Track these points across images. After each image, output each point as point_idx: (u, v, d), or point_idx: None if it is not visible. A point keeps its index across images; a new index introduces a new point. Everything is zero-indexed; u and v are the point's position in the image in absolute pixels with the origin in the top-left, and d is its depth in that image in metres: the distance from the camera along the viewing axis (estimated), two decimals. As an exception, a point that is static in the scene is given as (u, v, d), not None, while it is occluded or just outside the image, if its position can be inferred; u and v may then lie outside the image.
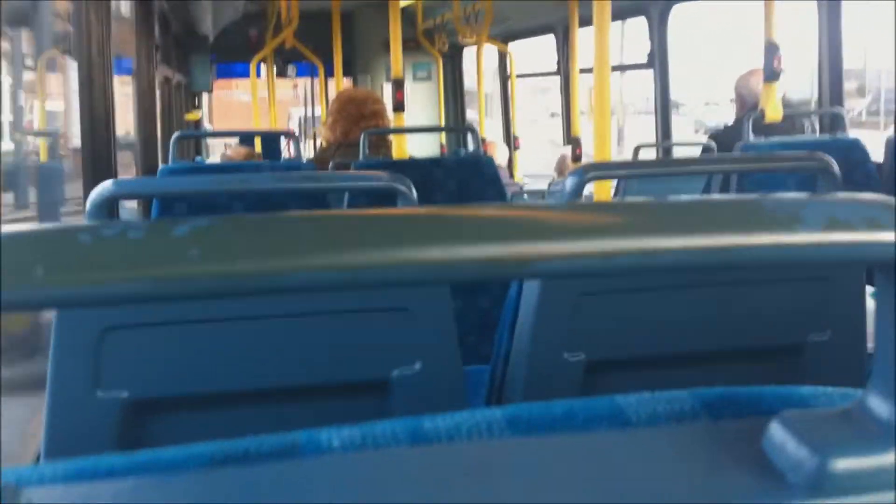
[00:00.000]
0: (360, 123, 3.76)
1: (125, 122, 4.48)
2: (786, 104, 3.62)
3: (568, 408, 0.64)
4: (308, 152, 9.11)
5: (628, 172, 2.05)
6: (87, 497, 0.53)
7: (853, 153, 3.22)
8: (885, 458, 0.49)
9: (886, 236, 0.47)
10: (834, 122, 3.54)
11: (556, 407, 0.64)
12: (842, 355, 1.55)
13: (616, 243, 0.46)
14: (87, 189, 3.00)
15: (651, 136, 5.12)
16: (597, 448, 0.58)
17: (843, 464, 0.48)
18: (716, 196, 0.50)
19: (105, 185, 1.44)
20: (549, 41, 6.60)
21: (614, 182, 3.96)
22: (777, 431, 0.52)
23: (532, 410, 0.63)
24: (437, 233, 0.45)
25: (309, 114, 11.41)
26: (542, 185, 5.84)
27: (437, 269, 0.44)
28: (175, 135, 3.53)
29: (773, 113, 3.43)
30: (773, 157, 2.17)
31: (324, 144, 4.14)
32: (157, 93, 5.10)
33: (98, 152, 3.06)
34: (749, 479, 0.52)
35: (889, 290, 0.51)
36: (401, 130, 4.02)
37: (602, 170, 1.96)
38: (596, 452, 0.57)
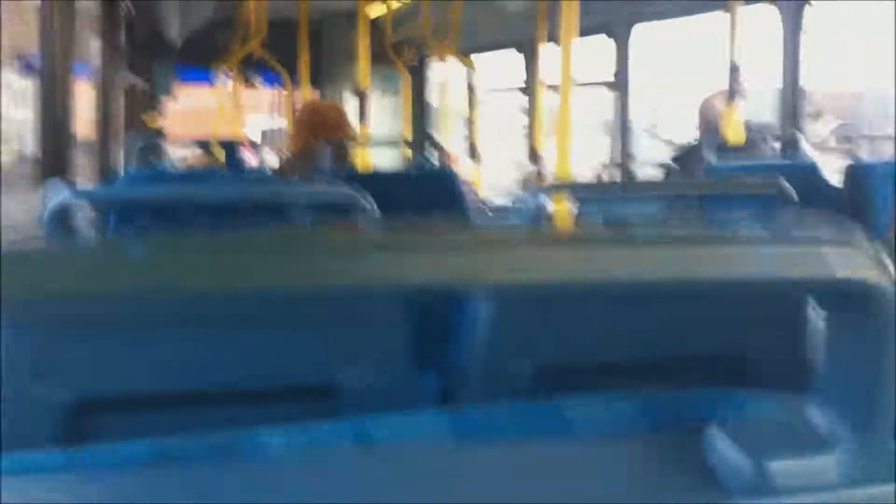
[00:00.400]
0: (322, 134, 3.76)
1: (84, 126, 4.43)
2: (749, 126, 3.67)
3: (512, 412, 0.64)
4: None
5: (587, 195, 2.07)
6: (24, 491, 0.52)
7: (810, 176, 3.27)
8: (823, 460, 0.50)
9: (840, 272, 0.47)
10: (792, 144, 3.59)
11: (499, 411, 0.64)
12: (785, 366, 1.57)
13: (563, 273, 0.46)
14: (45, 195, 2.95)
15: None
16: (540, 452, 0.58)
17: (780, 466, 0.49)
18: (662, 222, 0.51)
19: (63, 193, 1.43)
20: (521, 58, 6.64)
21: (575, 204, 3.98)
22: (716, 436, 0.52)
23: (477, 415, 0.63)
24: (389, 250, 0.45)
25: (274, 124, 11.38)
26: (506, 201, 5.86)
27: (391, 286, 0.44)
28: (135, 140, 3.50)
29: (735, 135, 3.47)
30: (734, 182, 2.20)
31: (287, 155, 4.13)
32: (120, 97, 5.06)
33: (56, 157, 3.02)
34: (689, 482, 0.53)
35: (832, 312, 0.51)
36: (365, 143, 4.02)
37: (563, 189, 1.98)
38: (539, 456, 0.58)
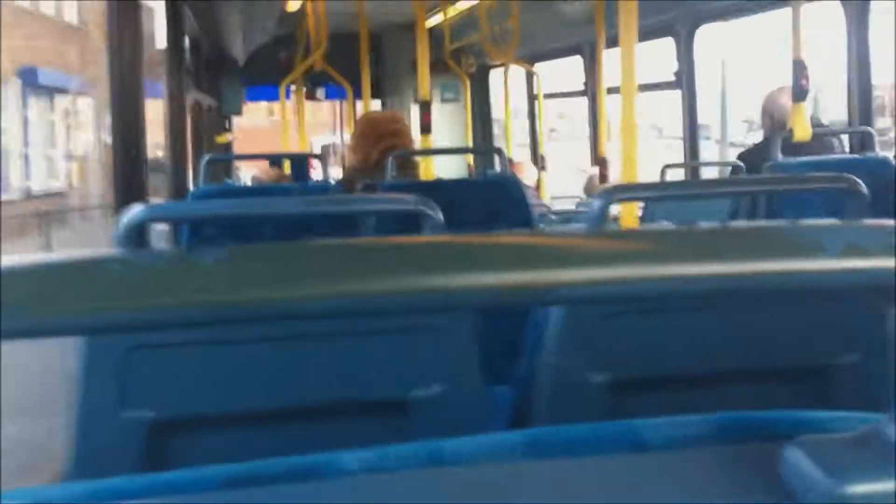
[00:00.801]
0: (379, 144, 3.79)
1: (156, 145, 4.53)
2: (815, 123, 3.60)
3: (586, 432, 0.64)
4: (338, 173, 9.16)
5: (654, 194, 2.05)
6: None
7: (882, 172, 3.19)
8: None
9: None
10: (864, 141, 3.52)
11: (574, 430, 0.64)
12: (869, 378, 1.54)
13: (637, 270, 0.46)
14: (118, 212, 3.03)
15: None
16: (614, 472, 0.58)
17: (859, 488, 0.48)
18: (736, 224, 0.50)
19: (136, 209, 1.46)
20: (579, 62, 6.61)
21: (640, 203, 3.95)
22: (793, 455, 0.52)
23: (551, 434, 0.64)
24: (460, 260, 0.46)
25: (338, 136, 11.49)
26: (570, 206, 5.84)
27: (460, 296, 0.45)
28: (205, 157, 3.57)
29: (802, 132, 3.41)
30: (800, 178, 2.16)
31: (349, 166, 4.18)
32: (188, 116, 5.16)
33: (129, 175, 3.10)
34: (765, 502, 0.52)
35: None
36: (427, 152, 4.04)
37: (628, 192, 1.97)
38: (614, 476, 0.58)
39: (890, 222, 0.49)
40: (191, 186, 4.52)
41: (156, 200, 3.63)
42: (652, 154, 5.30)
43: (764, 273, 0.47)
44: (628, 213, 2.93)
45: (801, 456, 0.52)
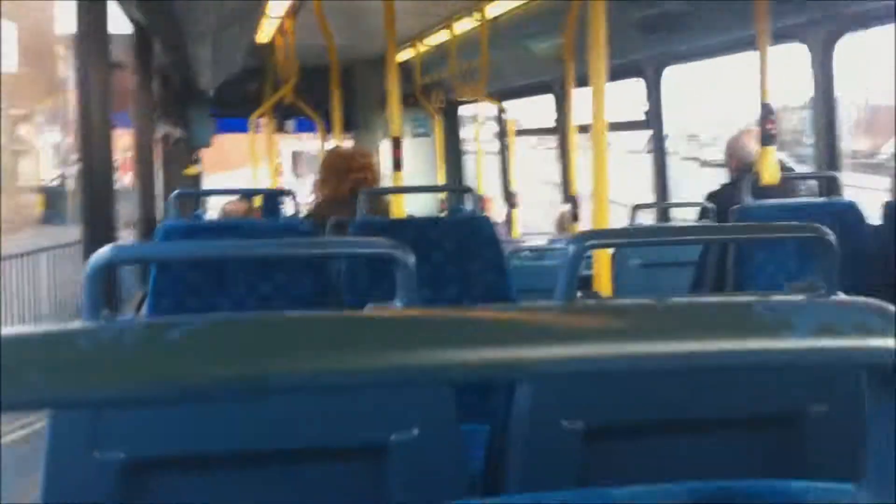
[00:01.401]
0: (348, 178, 3.80)
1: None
2: (782, 166, 3.65)
3: (562, 500, 0.63)
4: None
5: (625, 241, 2.06)
6: None
7: (849, 216, 3.23)
8: None
9: (879, 342, 0.47)
10: (830, 185, 3.56)
11: (549, 498, 0.63)
12: (840, 428, 1.55)
13: (611, 348, 0.46)
14: (87, 245, 3.00)
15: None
16: None
17: None
18: (707, 299, 0.50)
19: (104, 253, 1.44)
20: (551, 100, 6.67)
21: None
22: None
23: (526, 501, 0.63)
24: (433, 337, 0.45)
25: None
26: (541, 242, 5.85)
27: (432, 373, 0.45)
28: (174, 193, 3.54)
29: (770, 176, 3.45)
30: (770, 227, 2.19)
31: (318, 201, 4.17)
32: (157, 148, 5.14)
33: (97, 210, 3.06)
34: None
35: (881, 392, 0.50)
36: (398, 190, 4.05)
37: (600, 238, 1.98)
38: None
39: (859, 301, 0.49)
40: (159, 218, 4.49)
41: (124, 234, 3.59)
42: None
43: (735, 351, 0.47)
44: (601, 254, 2.95)
45: None
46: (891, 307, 0.48)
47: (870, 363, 0.48)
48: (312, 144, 9.94)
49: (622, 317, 0.48)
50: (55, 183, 22.42)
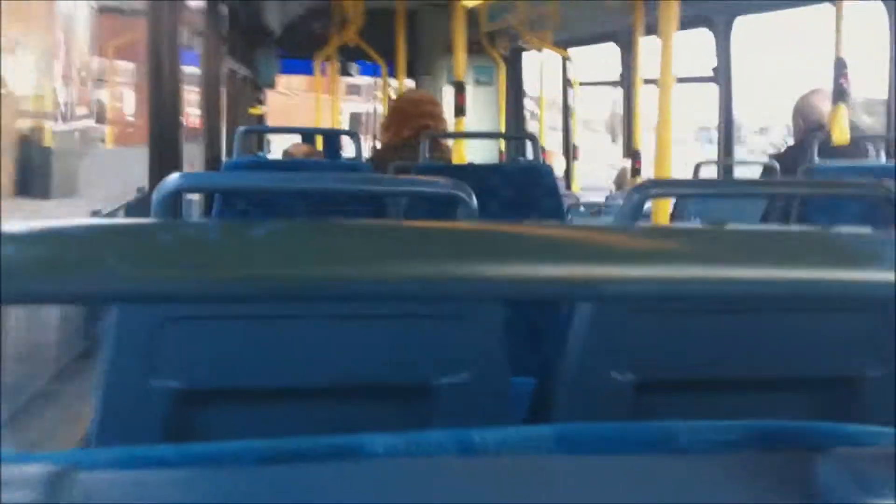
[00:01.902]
0: (412, 123, 3.80)
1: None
2: (851, 127, 3.56)
3: (618, 430, 0.64)
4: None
5: (690, 191, 2.03)
6: (138, 484, 0.55)
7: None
8: None
9: None
10: (901, 148, 3.48)
11: (606, 428, 0.64)
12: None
13: (672, 270, 0.46)
14: (154, 180, 3.06)
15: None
16: (643, 472, 0.58)
17: (889, 503, 0.49)
18: (772, 227, 0.50)
19: (172, 178, 1.47)
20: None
21: (672, 200, 3.93)
22: (825, 467, 0.52)
23: (582, 430, 0.64)
24: (498, 250, 0.46)
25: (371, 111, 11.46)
26: (600, 198, 5.81)
27: (496, 287, 0.45)
28: (240, 129, 3.58)
29: (841, 135, 3.37)
30: (835, 183, 2.14)
31: (380, 145, 4.18)
32: (223, 86, 5.18)
33: (165, 144, 3.12)
34: None
35: None
36: (460, 135, 4.03)
37: (662, 187, 1.95)
38: (642, 476, 0.58)
39: None
40: (224, 158, 4.54)
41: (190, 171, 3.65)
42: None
43: (796, 280, 0.47)
44: (660, 210, 2.92)
45: (832, 468, 0.52)
46: None
47: None
48: (370, 106, 9.88)
49: (691, 240, 0.47)
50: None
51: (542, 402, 1.65)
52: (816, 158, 3.18)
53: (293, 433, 0.63)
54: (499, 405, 1.48)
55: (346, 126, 10.05)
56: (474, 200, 1.50)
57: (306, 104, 8.30)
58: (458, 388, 1.45)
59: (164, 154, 3.08)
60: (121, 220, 0.47)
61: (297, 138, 6.10)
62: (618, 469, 0.59)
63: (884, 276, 0.47)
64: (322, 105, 7.49)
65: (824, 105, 3.71)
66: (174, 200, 1.48)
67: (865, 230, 0.49)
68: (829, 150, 3.34)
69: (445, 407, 1.46)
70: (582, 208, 4.85)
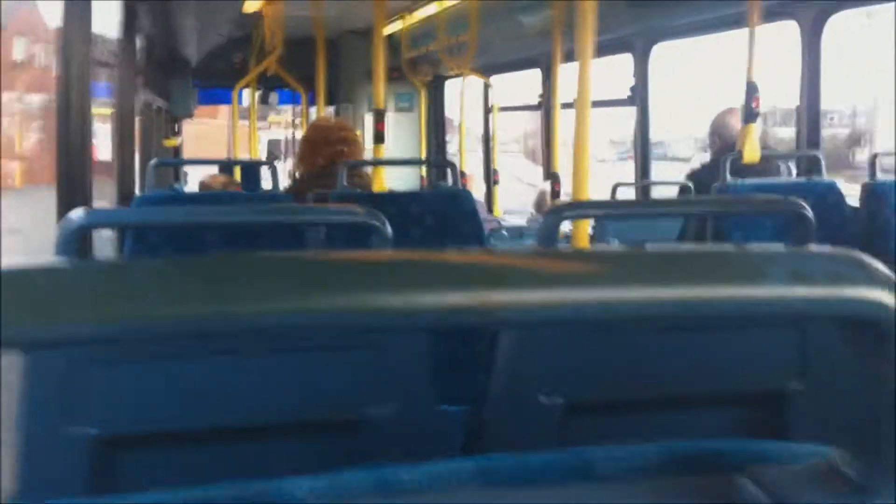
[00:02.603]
0: (325, 150, 3.78)
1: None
2: (763, 146, 3.65)
3: (538, 460, 0.63)
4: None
5: (604, 212, 2.05)
6: None
7: (828, 196, 3.24)
8: None
9: (851, 292, 0.46)
10: (811, 165, 3.57)
11: (526, 459, 0.63)
12: (818, 405, 1.55)
13: (586, 293, 0.45)
14: (61, 217, 2.97)
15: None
16: (566, 500, 0.57)
17: None
18: (682, 246, 0.50)
19: (76, 214, 1.42)
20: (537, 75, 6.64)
21: (591, 221, 3.98)
22: (744, 487, 0.51)
23: (503, 461, 0.63)
24: (408, 278, 0.44)
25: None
26: (521, 221, 5.85)
27: (407, 317, 0.43)
28: (152, 162, 3.51)
29: (751, 154, 3.45)
30: (748, 200, 2.18)
31: (298, 175, 4.15)
32: (137, 118, 5.09)
33: (73, 179, 3.03)
34: None
35: (856, 347, 0.50)
36: (379, 162, 4.03)
37: (578, 209, 1.96)
38: (565, 500, 0.57)
39: (836, 250, 0.49)
40: (137, 191, 4.45)
41: (100, 205, 3.56)
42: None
43: (709, 299, 0.46)
44: (579, 231, 2.94)
45: (751, 488, 0.51)
46: (864, 257, 0.48)
47: (842, 314, 0.48)
48: (287, 132, 9.85)
49: (597, 262, 0.47)
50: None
51: (474, 428, 1.64)
52: (729, 177, 3.24)
53: (218, 475, 0.60)
54: (428, 435, 1.47)
55: (263, 154, 9.98)
56: (388, 228, 1.48)
57: (221, 134, 8.23)
58: (386, 420, 1.43)
59: (71, 190, 2.99)
60: (15, 263, 0.44)
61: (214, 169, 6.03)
62: (540, 499, 0.57)
63: (801, 290, 0.46)
64: (241, 134, 7.43)
65: (737, 124, 3.80)
66: (82, 238, 1.43)
67: (779, 246, 0.49)
68: (741, 168, 3.42)
69: (374, 439, 1.43)
70: (504, 232, 4.87)
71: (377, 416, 1.42)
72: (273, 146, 14.37)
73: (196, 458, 1.43)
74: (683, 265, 0.47)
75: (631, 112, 5.22)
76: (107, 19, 4.62)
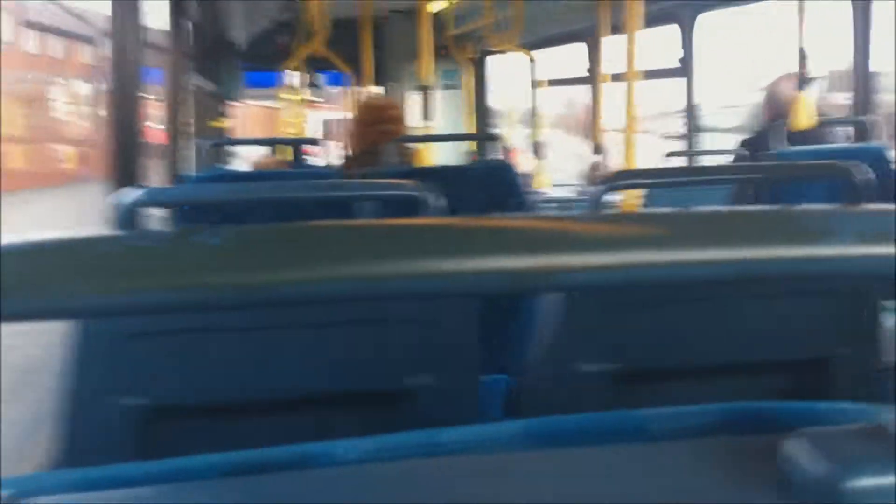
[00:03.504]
0: (376, 128, 3.81)
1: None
2: (818, 113, 3.58)
3: (587, 421, 0.63)
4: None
5: (654, 181, 2.03)
6: None
7: (881, 161, 3.18)
8: None
9: None
10: (863, 131, 3.50)
11: (574, 420, 0.63)
12: (864, 370, 1.54)
13: (641, 255, 0.45)
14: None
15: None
16: (614, 462, 0.57)
17: (861, 482, 0.48)
18: (740, 207, 0.49)
19: (128, 192, 1.44)
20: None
21: (643, 193, 3.95)
22: (795, 448, 0.51)
23: (551, 423, 0.63)
24: (461, 244, 0.44)
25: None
26: (568, 194, 5.82)
27: (460, 283, 0.44)
28: (202, 142, 3.55)
29: (805, 120, 3.39)
30: (803, 165, 2.15)
31: (348, 153, 4.19)
32: (188, 101, 5.15)
33: (125, 160, 3.08)
34: (767, 494, 0.52)
35: None
36: (425, 139, 4.04)
37: (629, 178, 1.95)
38: (613, 466, 0.57)
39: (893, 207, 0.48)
40: (189, 172, 4.51)
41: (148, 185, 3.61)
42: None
43: (770, 259, 0.46)
44: (630, 202, 2.92)
45: (803, 448, 0.51)
46: None
47: None
48: (344, 112, 9.88)
49: (657, 224, 0.46)
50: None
51: (517, 399, 1.64)
52: (783, 144, 3.19)
53: (266, 446, 0.61)
54: (471, 405, 1.47)
55: (319, 134, 10.01)
56: (440, 200, 1.48)
57: (276, 116, 8.28)
58: (429, 391, 1.44)
59: (123, 170, 3.04)
60: (70, 233, 0.45)
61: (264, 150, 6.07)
62: (588, 461, 0.58)
63: (865, 249, 0.46)
64: (299, 115, 7.49)
65: (793, 91, 3.74)
66: (133, 217, 1.45)
67: (824, 206, 0.48)
68: (793, 136, 3.36)
69: (417, 411, 1.44)
70: (552, 204, 4.85)
71: (419, 387, 1.43)
72: (328, 126, 14.47)
73: (243, 430, 1.45)
74: (743, 224, 0.47)
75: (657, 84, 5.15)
76: (158, 6, 4.67)
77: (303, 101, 7.07)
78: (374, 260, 0.44)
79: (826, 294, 1.55)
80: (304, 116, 6.95)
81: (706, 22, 5.05)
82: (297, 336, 1.43)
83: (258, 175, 3.95)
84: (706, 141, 5.38)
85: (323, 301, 0.45)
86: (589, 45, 6.34)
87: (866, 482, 0.48)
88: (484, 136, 7.30)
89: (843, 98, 4.07)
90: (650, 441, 0.61)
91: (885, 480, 0.48)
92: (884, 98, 3.96)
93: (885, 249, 0.46)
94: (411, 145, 3.95)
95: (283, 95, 6.97)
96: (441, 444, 0.61)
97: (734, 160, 4.06)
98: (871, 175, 1.57)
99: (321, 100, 13.84)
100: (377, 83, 7.86)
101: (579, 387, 1.51)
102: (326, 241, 0.44)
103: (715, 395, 1.60)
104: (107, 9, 3.26)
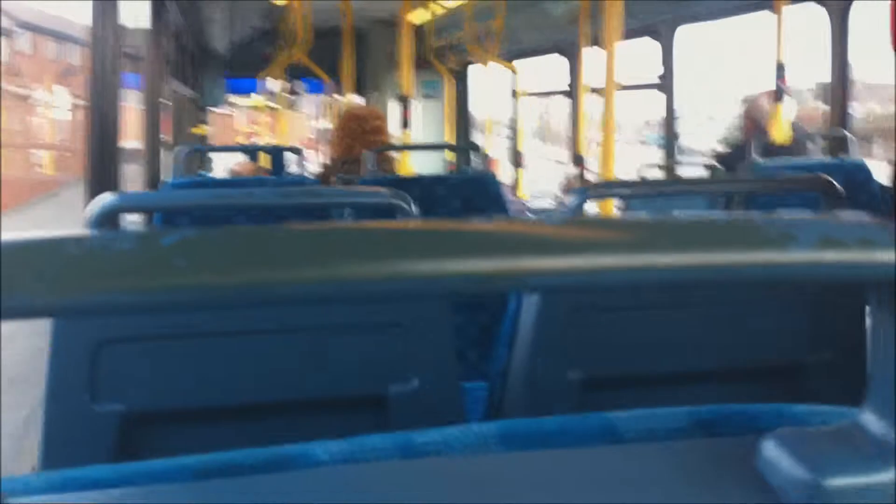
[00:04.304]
0: (361, 139, 3.81)
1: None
2: (793, 127, 3.62)
3: (561, 423, 0.63)
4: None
5: (629, 192, 2.05)
6: None
7: (858, 175, 3.21)
8: (881, 476, 0.48)
9: (880, 256, 0.46)
10: (840, 145, 3.53)
11: (548, 423, 0.63)
12: (841, 376, 1.55)
13: (611, 259, 0.45)
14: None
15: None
16: (589, 463, 0.57)
17: (838, 482, 0.48)
18: (710, 213, 0.50)
19: (104, 197, 1.43)
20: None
21: (618, 202, 3.97)
22: (771, 449, 0.51)
23: (524, 426, 0.63)
24: (431, 246, 0.44)
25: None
26: (547, 205, 5.84)
27: (431, 283, 0.44)
28: (180, 149, 3.54)
29: (780, 135, 3.42)
30: (778, 179, 2.17)
31: (328, 161, 4.18)
32: (167, 108, 5.13)
33: (102, 165, 3.07)
34: (744, 495, 0.52)
35: (884, 309, 0.50)
36: (405, 147, 4.04)
37: (604, 189, 1.96)
38: (588, 468, 0.57)
39: (862, 216, 0.49)
40: (167, 179, 4.49)
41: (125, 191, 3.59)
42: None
43: (739, 264, 0.46)
44: (606, 213, 2.93)
45: (779, 449, 0.51)
46: (891, 223, 0.48)
47: (872, 278, 0.48)
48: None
49: (624, 229, 0.47)
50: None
51: (496, 405, 1.65)
52: (760, 158, 3.22)
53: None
54: (451, 411, 1.48)
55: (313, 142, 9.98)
56: (414, 208, 1.49)
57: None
58: (410, 397, 1.44)
59: (101, 177, 3.03)
60: (36, 234, 0.45)
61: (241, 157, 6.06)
62: (562, 463, 0.58)
63: (831, 255, 0.47)
64: (287, 122, 7.49)
65: (772, 105, 3.77)
66: (110, 223, 1.45)
67: (788, 215, 0.49)
68: (770, 150, 3.39)
69: (397, 417, 1.45)
70: (530, 214, 4.87)
71: (400, 393, 1.44)
72: (321, 135, 14.55)
73: (221, 435, 1.45)
74: (712, 231, 0.47)
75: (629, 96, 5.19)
76: (137, 12, 4.65)
77: (273, 109, 7.06)
78: (339, 261, 0.44)
79: (802, 300, 1.56)
80: (284, 124, 6.94)
81: (686, 35, 5.10)
82: (276, 341, 1.43)
83: (234, 182, 3.94)
84: (686, 152, 5.42)
85: (291, 303, 0.45)
86: (569, 58, 6.38)
87: (844, 482, 0.48)
88: (463, 146, 7.33)
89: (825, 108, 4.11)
90: (627, 443, 0.61)
91: (863, 480, 0.48)
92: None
93: (854, 255, 0.47)
94: (392, 155, 3.95)
95: (253, 103, 6.97)
96: (418, 445, 0.61)
97: (711, 174, 4.09)
98: (840, 189, 1.59)
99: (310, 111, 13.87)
100: (358, 92, 7.87)
101: (557, 393, 1.52)
102: (292, 242, 0.44)
103: (693, 401, 1.61)
104: (87, 12, 3.25)
